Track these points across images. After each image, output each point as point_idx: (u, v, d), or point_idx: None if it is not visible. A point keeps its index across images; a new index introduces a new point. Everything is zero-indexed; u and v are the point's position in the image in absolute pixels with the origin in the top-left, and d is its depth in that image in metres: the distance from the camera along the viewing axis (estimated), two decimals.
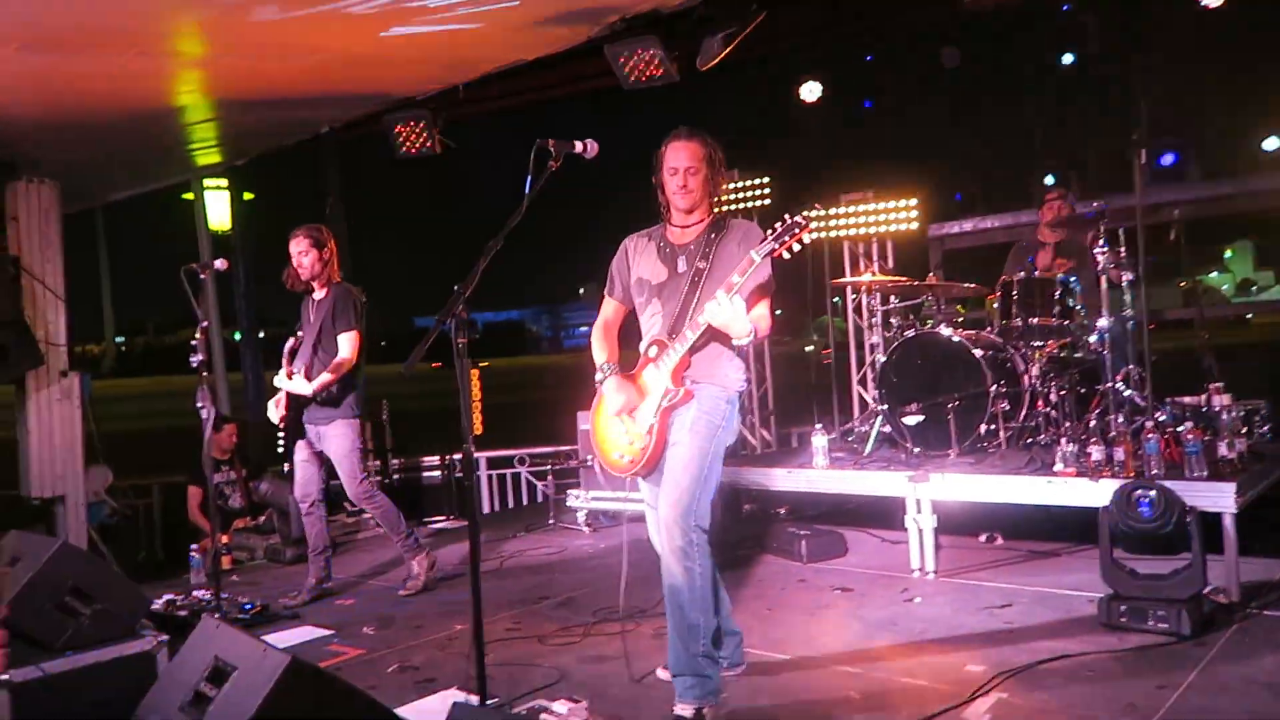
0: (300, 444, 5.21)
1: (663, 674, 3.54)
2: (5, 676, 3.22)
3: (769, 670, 3.74)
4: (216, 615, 4.14)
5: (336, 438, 5.08)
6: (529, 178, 2.76)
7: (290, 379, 5.12)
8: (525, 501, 8.65)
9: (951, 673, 3.57)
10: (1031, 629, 4.03)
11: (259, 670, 2.48)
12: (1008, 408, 5.42)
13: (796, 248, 3.05)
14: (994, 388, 5.33)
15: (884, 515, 5.79)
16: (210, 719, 2.52)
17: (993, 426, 5.40)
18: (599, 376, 3.47)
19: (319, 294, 5.20)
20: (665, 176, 3.39)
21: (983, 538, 5.52)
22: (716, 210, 3.49)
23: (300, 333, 5.26)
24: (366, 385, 5.29)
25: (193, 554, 5.82)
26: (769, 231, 3.09)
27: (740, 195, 8.17)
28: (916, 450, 5.60)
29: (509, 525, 7.16)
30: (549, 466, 7.79)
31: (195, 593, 5.07)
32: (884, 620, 4.29)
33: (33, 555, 3.62)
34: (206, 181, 8.68)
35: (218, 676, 2.61)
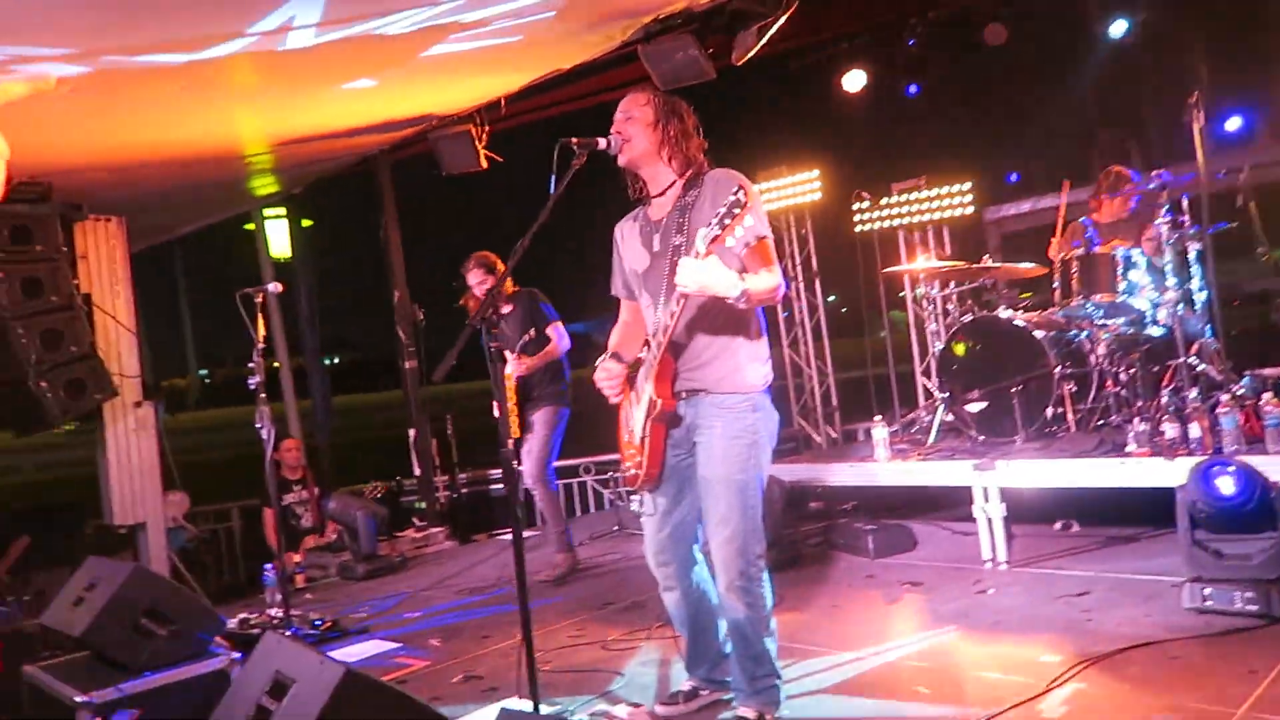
0: (527, 436, 5.61)
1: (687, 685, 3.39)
2: (88, 698, 3.32)
3: (837, 667, 3.66)
4: (283, 631, 4.22)
5: (542, 418, 5.56)
6: (553, 177, 2.70)
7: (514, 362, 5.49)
8: (593, 509, 8.68)
9: (1026, 664, 3.45)
10: (1111, 617, 3.87)
11: (316, 682, 2.50)
12: (1075, 389, 5.24)
13: (740, 231, 2.61)
14: (1058, 369, 5.17)
15: (955, 507, 5.65)
16: None
17: (1060, 410, 5.23)
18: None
19: (505, 309, 5.59)
20: None
21: (1057, 525, 5.33)
22: (689, 170, 3.01)
23: (499, 347, 5.52)
24: (564, 378, 5.71)
25: (266, 574, 5.95)
26: (714, 214, 2.64)
27: (789, 191, 8.10)
28: (981, 438, 5.46)
29: (574, 533, 7.15)
30: (612, 474, 7.81)
31: (269, 611, 5.18)
32: (955, 613, 4.18)
33: (108, 580, 3.74)
34: (266, 211, 8.92)
35: (278, 690, 2.64)
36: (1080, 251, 5.39)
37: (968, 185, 7.22)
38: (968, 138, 7.34)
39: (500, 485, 8.59)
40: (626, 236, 3.22)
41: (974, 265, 5.82)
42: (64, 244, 5.88)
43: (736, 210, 2.58)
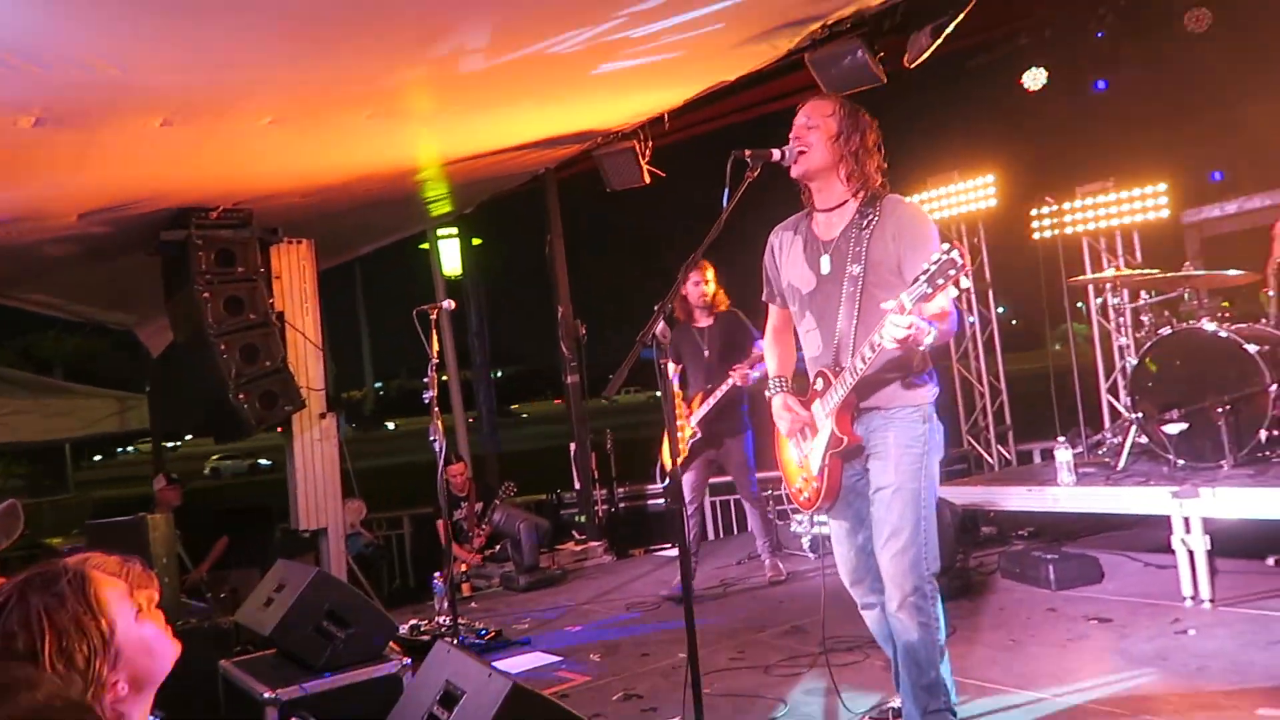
0: (700, 455, 5.77)
1: None
2: (274, 695, 3.50)
3: (1016, 707, 3.41)
4: (452, 640, 4.33)
5: (740, 448, 5.77)
6: (726, 190, 2.65)
7: (689, 416, 5.67)
8: (748, 529, 8.53)
9: (1238, 717, 3.11)
10: None
11: (485, 694, 2.53)
12: None
13: (953, 292, 2.59)
14: (1275, 387, 4.67)
15: (1147, 538, 5.20)
16: None
17: (1276, 432, 4.72)
18: (767, 393, 3.15)
19: (704, 322, 5.73)
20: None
21: (1270, 561, 4.81)
22: (863, 191, 2.91)
23: (668, 362, 5.74)
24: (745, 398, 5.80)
25: (435, 582, 6.14)
26: (922, 271, 2.52)
27: (961, 198, 7.75)
28: (1180, 462, 5.00)
29: (731, 552, 7.06)
30: (770, 491, 7.64)
31: (437, 619, 5.34)
32: (1151, 654, 3.82)
33: (294, 583, 3.95)
34: (439, 231, 9.31)
35: (448, 700, 2.69)
36: None
37: (1163, 186, 6.68)
38: (1163, 134, 6.76)
39: (657, 500, 8.57)
40: (785, 247, 3.12)
41: (1173, 273, 5.35)
42: (262, 265, 6.30)
43: (951, 272, 2.49)
